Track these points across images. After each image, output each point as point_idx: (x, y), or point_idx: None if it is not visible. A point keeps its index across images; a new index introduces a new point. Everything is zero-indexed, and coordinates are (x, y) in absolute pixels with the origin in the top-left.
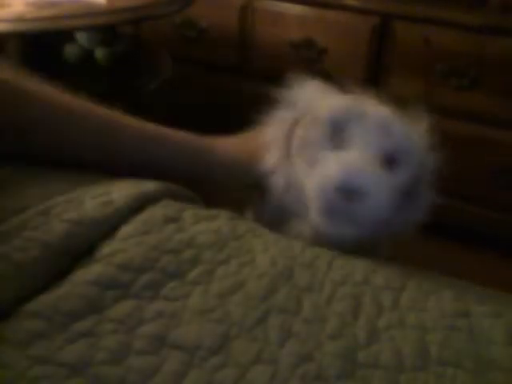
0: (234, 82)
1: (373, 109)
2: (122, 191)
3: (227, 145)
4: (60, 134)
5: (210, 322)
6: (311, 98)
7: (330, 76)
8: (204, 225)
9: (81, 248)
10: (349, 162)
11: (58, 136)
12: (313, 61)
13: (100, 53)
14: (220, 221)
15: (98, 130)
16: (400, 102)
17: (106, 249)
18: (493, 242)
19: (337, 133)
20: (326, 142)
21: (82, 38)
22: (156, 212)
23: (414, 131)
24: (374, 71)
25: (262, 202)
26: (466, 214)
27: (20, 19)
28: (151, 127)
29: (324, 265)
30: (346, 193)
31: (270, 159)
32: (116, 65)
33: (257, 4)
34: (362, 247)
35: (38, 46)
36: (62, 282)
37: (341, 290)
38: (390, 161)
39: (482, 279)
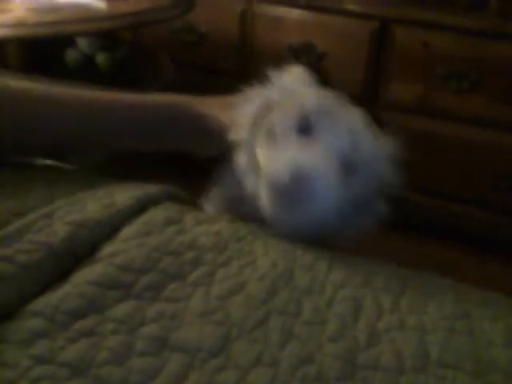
0: (233, 87)
1: (346, 112)
2: (124, 193)
3: (208, 106)
4: (57, 123)
5: (210, 323)
6: (290, 87)
7: (329, 80)
8: (205, 227)
9: (84, 250)
10: (307, 152)
11: (56, 125)
12: (312, 65)
13: (101, 58)
14: (221, 223)
15: (94, 109)
16: (400, 106)
17: (107, 249)
18: (493, 245)
19: (304, 127)
20: (292, 132)
21: (82, 43)
22: (157, 214)
23: (378, 144)
24: (373, 75)
25: (225, 176)
26: (466, 217)
27: (21, 24)
28: (136, 96)
29: (324, 267)
30: (296, 179)
31: (237, 137)
32: (117, 70)
33: (257, 9)
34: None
35: (38, 51)
36: (64, 282)
37: (341, 292)
38: (348, 168)
39: (482, 282)
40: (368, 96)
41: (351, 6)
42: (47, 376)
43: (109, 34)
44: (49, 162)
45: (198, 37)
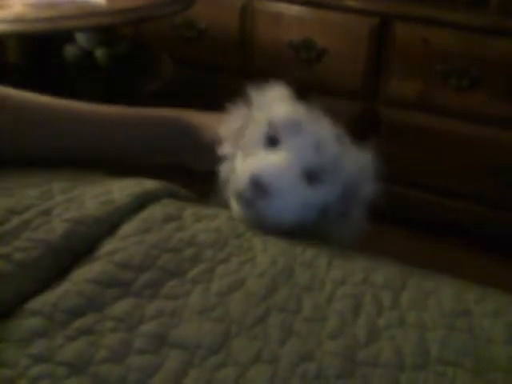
0: (233, 83)
1: (313, 125)
2: (122, 190)
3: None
4: (57, 136)
5: (210, 320)
6: (267, 104)
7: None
8: (204, 223)
9: (82, 247)
10: (266, 161)
11: (54, 138)
12: (312, 61)
13: (100, 53)
14: (220, 219)
15: (93, 125)
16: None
17: (107, 247)
18: (493, 240)
19: (273, 138)
20: (262, 142)
21: (81, 38)
22: (156, 211)
23: (347, 155)
24: (373, 72)
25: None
26: (466, 212)
27: (20, 20)
28: (136, 110)
29: (324, 264)
30: (254, 187)
31: (223, 149)
32: (116, 66)
33: (257, 4)
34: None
35: (37, 47)
36: (63, 280)
37: (341, 289)
38: (313, 176)
39: (482, 278)
40: (368, 92)
41: (351, 2)
42: (46, 374)
43: (108, 29)
44: None
45: (198, 33)
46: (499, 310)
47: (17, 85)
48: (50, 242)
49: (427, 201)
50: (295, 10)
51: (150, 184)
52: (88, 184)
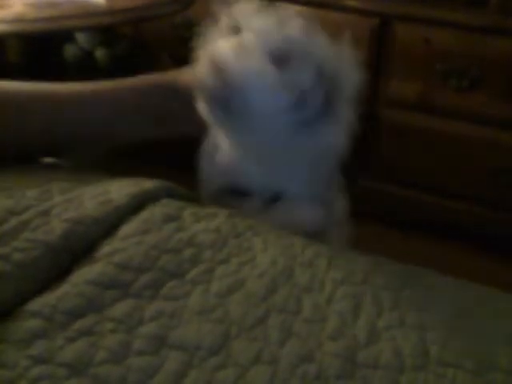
0: None
1: (276, 12)
2: (121, 190)
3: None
4: (55, 119)
5: (209, 321)
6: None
7: None
8: (204, 224)
9: (81, 247)
10: (225, 45)
11: (54, 124)
12: None
13: (100, 53)
14: (220, 219)
15: (98, 104)
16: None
17: (106, 248)
18: (492, 242)
19: (235, 27)
20: (225, 34)
21: (81, 38)
22: (156, 211)
23: (326, 47)
24: (374, 72)
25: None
26: (466, 213)
27: (20, 20)
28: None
29: (324, 264)
30: (216, 72)
31: (199, 74)
32: (116, 65)
33: None
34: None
35: (38, 46)
36: (62, 281)
37: (341, 289)
38: (280, 59)
39: (482, 279)
40: (368, 93)
41: (351, 3)
42: (46, 376)
43: (108, 29)
44: (47, 160)
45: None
46: (499, 310)
47: None
48: (48, 243)
49: (427, 202)
50: (295, 9)
51: (148, 183)
52: (87, 184)
